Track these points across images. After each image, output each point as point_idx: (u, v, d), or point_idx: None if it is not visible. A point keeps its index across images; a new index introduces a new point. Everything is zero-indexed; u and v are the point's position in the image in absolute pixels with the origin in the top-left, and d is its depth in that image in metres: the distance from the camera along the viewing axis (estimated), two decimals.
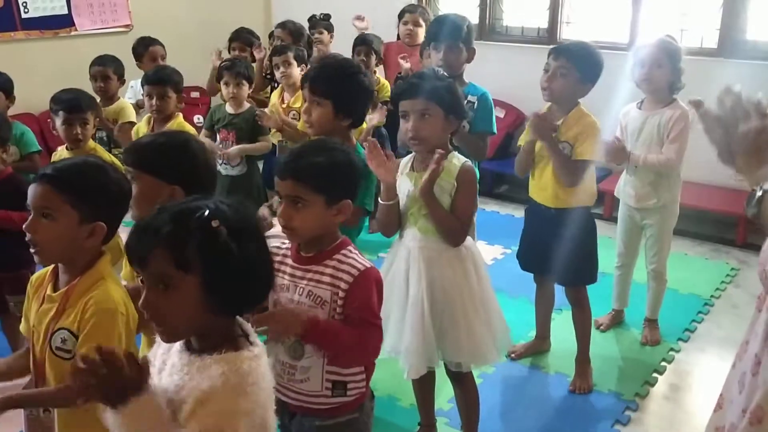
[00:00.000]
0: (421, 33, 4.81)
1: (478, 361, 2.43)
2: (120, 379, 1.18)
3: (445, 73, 2.41)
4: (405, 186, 2.31)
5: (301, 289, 1.74)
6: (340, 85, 2.31)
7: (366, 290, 1.72)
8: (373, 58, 4.52)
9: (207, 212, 1.26)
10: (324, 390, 1.76)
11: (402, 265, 2.33)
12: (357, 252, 1.79)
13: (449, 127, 2.29)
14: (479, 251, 2.44)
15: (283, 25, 4.61)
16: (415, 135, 2.24)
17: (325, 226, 1.75)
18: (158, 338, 1.42)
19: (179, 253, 1.23)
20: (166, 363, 1.37)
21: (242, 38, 4.89)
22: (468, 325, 2.30)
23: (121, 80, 4.17)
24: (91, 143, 3.25)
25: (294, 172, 1.71)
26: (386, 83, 4.61)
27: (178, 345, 1.36)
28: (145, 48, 4.51)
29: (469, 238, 2.37)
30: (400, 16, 4.87)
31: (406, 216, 2.33)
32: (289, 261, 1.80)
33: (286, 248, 1.83)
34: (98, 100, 3.92)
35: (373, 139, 2.26)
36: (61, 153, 3.22)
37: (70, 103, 3.15)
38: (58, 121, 3.16)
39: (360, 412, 1.85)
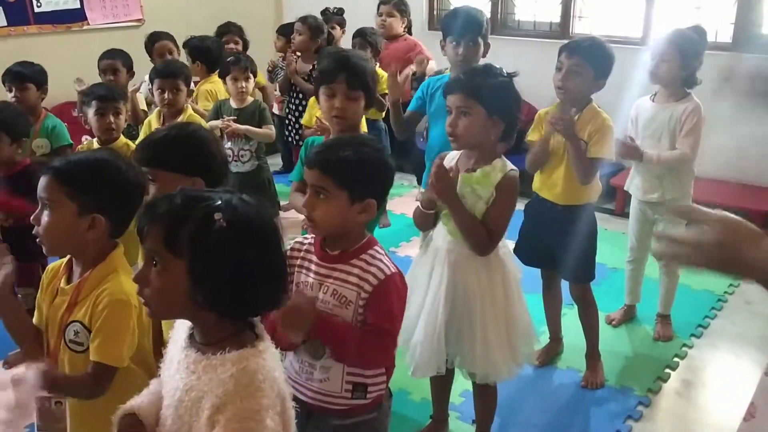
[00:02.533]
0: (396, 24, 4.86)
1: (491, 375, 2.34)
2: None
3: (503, 71, 2.28)
4: None
5: (326, 288, 1.70)
6: (372, 78, 2.42)
7: (388, 296, 1.68)
8: (369, 50, 4.52)
9: (218, 203, 1.25)
10: (344, 392, 1.73)
11: (428, 262, 2.28)
12: (384, 253, 1.74)
13: (493, 128, 2.16)
14: (514, 264, 2.34)
15: (303, 20, 4.58)
16: (450, 132, 2.18)
17: (347, 223, 1.70)
18: (171, 335, 1.42)
19: (171, 233, 1.23)
20: (173, 359, 1.36)
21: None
22: (484, 337, 2.23)
23: (130, 73, 4.16)
24: (123, 139, 3.18)
25: (321, 163, 1.69)
26: (385, 76, 4.60)
27: (182, 341, 1.34)
28: (152, 44, 4.48)
29: (505, 247, 2.29)
30: (378, 8, 4.87)
31: (439, 214, 2.27)
32: (314, 257, 1.75)
33: (310, 243, 1.79)
34: None
35: (440, 162, 2.17)
36: (89, 145, 3.20)
37: (103, 92, 3.14)
38: (91, 112, 3.11)
39: (378, 412, 1.82)
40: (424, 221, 2.29)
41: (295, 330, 1.59)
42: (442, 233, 2.27)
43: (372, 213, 1.72)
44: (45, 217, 1.65)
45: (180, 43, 4.50)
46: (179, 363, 1.32)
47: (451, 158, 2.30)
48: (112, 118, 3.08)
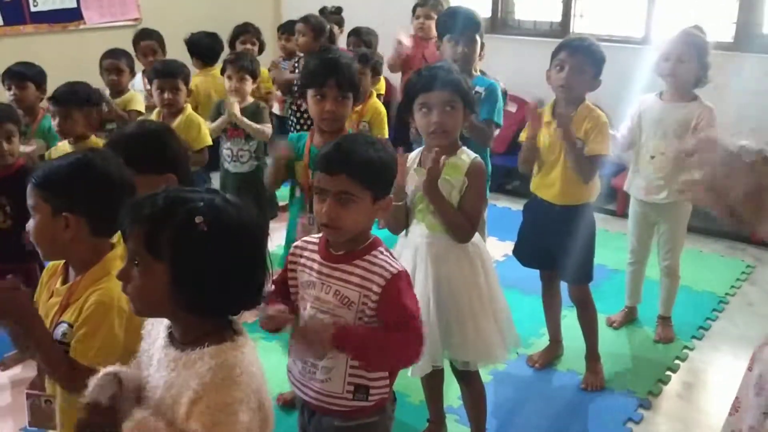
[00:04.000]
0: (434, 26, 4.77)
1: (486, 360, 2.42)
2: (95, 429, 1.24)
3: (457, 67, 2.40)
4: (411, 182, 2.28)
5: (328, 288, 1.69)
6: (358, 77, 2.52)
7: (399, 293, 1.67)
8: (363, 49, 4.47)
9: (200, 205, 1.24)
10: (345, 392, 1.72)
11: (409, 262, 2.29)
12: (388, 253, 1.74)
13: (465, 120, 2.28)
14: (486, 248, 2.41)
15: (305, 20, 4.56)
16: (438, 128, 2.19)
17: (369, 223, 1.71)
18: (144, 332, 1.44)
19: (152, 236, 1.23)
20: (153, 358, 1.36)
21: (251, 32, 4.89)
22: (475, 323, 2.27)
23: (132, 73, 4.15)
24: (94, 138, 3.18)
25: (347, 166, 1.65)
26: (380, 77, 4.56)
27: (161, 340, 1.35)
28: (138, 42, 4.50)
29: (477, 235, 2.34)
30: (414, 10, 4.83)
31: (413, 212, 2.30)
32: (317, 257, 1.74)
33: (314, 243, 1.78)
34: (108, 92, 3.93)
35: (438, 156, 2.20)
36: (63, 147, 3.19)
37: (54, 94, 3.14)
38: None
39: (381, 416, 1.81)
40: (398, 214, 2.28)
41: (314, 351, 1.64)
42: (418, 230, 2.29)
43: (389, 209, 1.74)
44: (33, 223, 1.67)
45: (168, 45, 4.53)
46: (159, 361, 1.33)
47: (413, 158, 2.34)
48: (60, 121, 3.05)
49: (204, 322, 1.30)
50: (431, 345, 2.24)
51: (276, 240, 1.99)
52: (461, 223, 2.22)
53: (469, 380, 2.46)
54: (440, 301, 2.25)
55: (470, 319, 2.27)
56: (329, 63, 2.45)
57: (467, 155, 2.25)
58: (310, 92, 2.45)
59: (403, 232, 2.36)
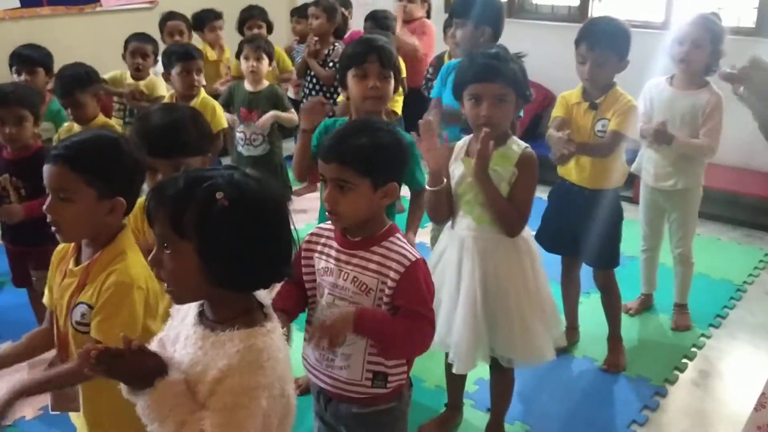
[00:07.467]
0: (416, 9, 4.75)
1: (532, 359, 2.29)
2: (141, 368, 1.24)
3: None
4: (458, 172, 2.22)
5: (346, 275, 1.68)
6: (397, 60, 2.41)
7: (417, 281, 1.66)
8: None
9: (220, 182, 1.24)
10: (364, 380, 1.72)
11: (454, 255, 2.24)
12: (405, 240, 1.72)
13: (517, 111, 2.20)
14: (536, 245, 2.34)
15: (316, 2, 4.54)
16: (488, 121, 2.11)
17: (371, 210, 1.68)
18: (172, 310, 1.44)
19: (177, 216, 1.24)
20: (180, 335, 1.36)
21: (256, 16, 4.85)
22: (522, 320, 2.21)
23: (156, 58, 4.14)
24: (101, 118, 3.19)
25: (340, 155, 1.64)
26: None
27: (191, 317, 1.36)
28: (164, 23, 4.48)
29: (527, 229, 2.27)
30: None
31: (459, 204, 2.23)
32: (334, 244, 1.73)
33: (330, 229, 1.77)
34: (129, 74, 3.98)
35: (430, 120, 2.16)
36: (70, 127, 3.19)
37: (57, 87, 3.14)
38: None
39: (398, 401, 1.81)
40: (436, 202, 2.21)
41: (340, 337, 1.62)
42: (465, 223, 2.23)
43: (395, 195, 1.71)
44: (64, 208, 1.63)
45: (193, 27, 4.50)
46: (186, 338, 1.33)
47: (460, 146, 2.28)
48: (71, 110, 3.08)
49: (236, 300, 1.31)
50: (478, 341, 2.21)
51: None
52: (511, 213, 2.15)
53: (503, 372, 2.40)
54: (487, 296, 2.20)
55: (517, 316, 2.20)
56: (368, 41, 2.37)
57: (518, 145, 2.18)
58: (350, 73, 2.34)
59: (449, 223, 2.30)
